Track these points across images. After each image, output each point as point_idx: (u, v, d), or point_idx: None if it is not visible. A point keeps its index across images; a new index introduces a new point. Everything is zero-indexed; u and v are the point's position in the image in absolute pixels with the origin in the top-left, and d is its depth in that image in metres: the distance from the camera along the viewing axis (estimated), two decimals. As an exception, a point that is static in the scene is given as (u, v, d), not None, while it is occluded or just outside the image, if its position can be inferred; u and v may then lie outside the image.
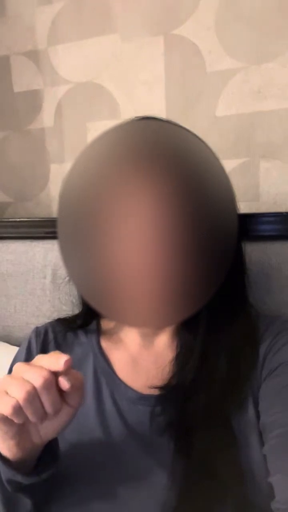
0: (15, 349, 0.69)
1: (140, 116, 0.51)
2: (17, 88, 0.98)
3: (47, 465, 0.45)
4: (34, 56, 0.95)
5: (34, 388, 0.38)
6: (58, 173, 0.98)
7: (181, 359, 0.52)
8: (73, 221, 0.41)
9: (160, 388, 0.51)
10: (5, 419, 0.39)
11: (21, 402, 0.38)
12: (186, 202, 0.39)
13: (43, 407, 0.39)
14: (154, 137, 0.42)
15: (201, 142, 0.42)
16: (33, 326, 0.64)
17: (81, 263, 0.42)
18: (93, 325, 0.61)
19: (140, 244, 0.39)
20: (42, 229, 0.86)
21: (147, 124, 0.45)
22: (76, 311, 0.64)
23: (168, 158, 0.40)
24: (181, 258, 0.39)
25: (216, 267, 0.42)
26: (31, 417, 0.39)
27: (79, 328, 0.61)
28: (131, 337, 0.57)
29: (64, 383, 0.39)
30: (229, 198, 0.42)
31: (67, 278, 0.65)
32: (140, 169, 0.39)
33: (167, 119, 0.49)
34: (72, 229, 0.41)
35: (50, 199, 1.00)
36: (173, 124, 0.44)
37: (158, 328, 0.55)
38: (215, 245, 0.41)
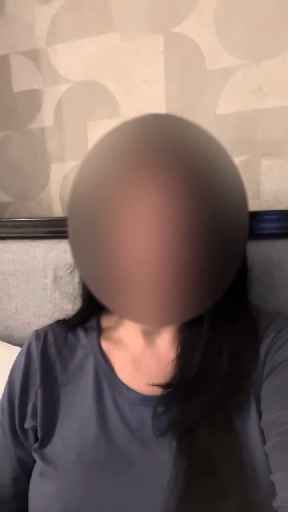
0: (16, 349, 0.69)
1: (149, 114, 0.50)
2: (16, 88, 0.98)
3: None
4: (33, 55, 0.94)
5: None
6: (59, 173, 0.98)
7: (183, 358, 0.51)
8: (83, 216, 0.41)
9: (162, 387, 0.51)
10: None
11: None
12: (197, 200, 0.39)
13: None
14: (164, 134, 0.41)
15: (213, 140, 0.42)
16: (34, 326, 0.64)
17: (90, 257, 0.42)
18: (92, 323, 0.60)
19: (149, 241, 0.39)
20: (43, 229, 0.86)
21: (157, 120, 0.45)
22: (77, 309, 0.64)
23: (179, 155, 0.39)
24: (190, 256, 0.39)
25: (225, 268, 0.42)
26: None
27: (78, 324, 0.61)
28: (132, 336, 0.57)
29: None
30: (241, 197, 0.42)
31: (68, 277, 0.65)
32: (150, 166, 0.39)
33: (177, 116, 0.48)
34: (82, 222, 0.41)
35: (50, 198, 1.00)
36: (183, 121, 0.43)
37: (162, 326, 0.55)
38: (225, 244, 0.41)
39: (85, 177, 0.42)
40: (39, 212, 1.01)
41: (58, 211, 0.99)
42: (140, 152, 0.40)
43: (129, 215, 0.39)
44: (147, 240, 0.39)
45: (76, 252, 0.43)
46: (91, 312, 0.61)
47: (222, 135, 0.82)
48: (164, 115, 0.49)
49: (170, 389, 0.50)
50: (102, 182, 0.40)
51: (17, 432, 0.57)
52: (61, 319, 0.63)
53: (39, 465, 0.53)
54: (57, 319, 0.64)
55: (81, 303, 0.62)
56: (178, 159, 0.39)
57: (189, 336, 0.52)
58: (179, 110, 0.84)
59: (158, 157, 0.39)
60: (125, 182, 0.39)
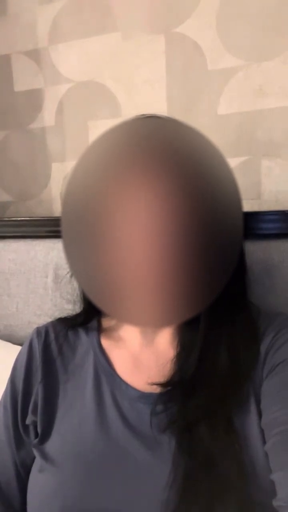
0: (17, 348, 0.69)
1: (144, 114, 0.51)
2: (18, 87, 0.98)
3: None
4: (35, 55, 0.95)
5: None
6: (60, 172, 0.98)
7: (182, 357, 0.51)
8: (76, 218, 0.41)
9: (161, 385, 0.51)
10: None
11: None
12: (190, 201, 0.39)
13: None
14: (157, 135, 0.42)
15: (206, 141, 0.42)
16: (35, 325, 0.64)
17: (84, 260, 0.42)
18: (93, 323, 0.61)
19: (143, 243, 0.39)
20: (44, 228, 0.86)
21: (151, 122, 0.45)
22: (78, 309, 0.64)
23: (171, 157, 0.40)
24: (184, 258, 0.39)
25: (220, 267, 0.42)
26: None
27: (79, 326, 0.61)
28: (132, 335, 0.57)
29: None
30: (235, 198, 0.42)
31: (69, 277, 0.66)
32: (143, 168, 0.39)
33: (172, 117, 0.49)
34: (75, 226, 0.41)
35: (51, 198, 1.00)
36: (177, 122, 0.44)
37: (160, 328, 0.55)
38: (220, 245, 0.41)
39: (79, 178, 0.42)
40: (39, 211, 1.01)
41: (58, 210, 1.00)
42: (133, 152, 0.40)
43: (122, 218, 0.39)
44: (140, 240, 0.39)
45: (70, 256, 0.43)
46: (91, 315, 0.61)
47: (223, 135, 0.82)
48: (157, 116, 0.50)
49: (169, 387, 0.51)
50: (94, 182, 0.40)
51: (19, 429, 0.57)
52: (63, 317, 0.64)
53: (38, 461, 0.53)
54: (58, 317, 0.64)
55: (82, 306, 0.62)
56: (170, 158, 0.39)
57: (188, 335, 0.52)
58: (180, 110, 0.84)
59: (150, 156, 0.39)
60: (118, 181, 0.39)
